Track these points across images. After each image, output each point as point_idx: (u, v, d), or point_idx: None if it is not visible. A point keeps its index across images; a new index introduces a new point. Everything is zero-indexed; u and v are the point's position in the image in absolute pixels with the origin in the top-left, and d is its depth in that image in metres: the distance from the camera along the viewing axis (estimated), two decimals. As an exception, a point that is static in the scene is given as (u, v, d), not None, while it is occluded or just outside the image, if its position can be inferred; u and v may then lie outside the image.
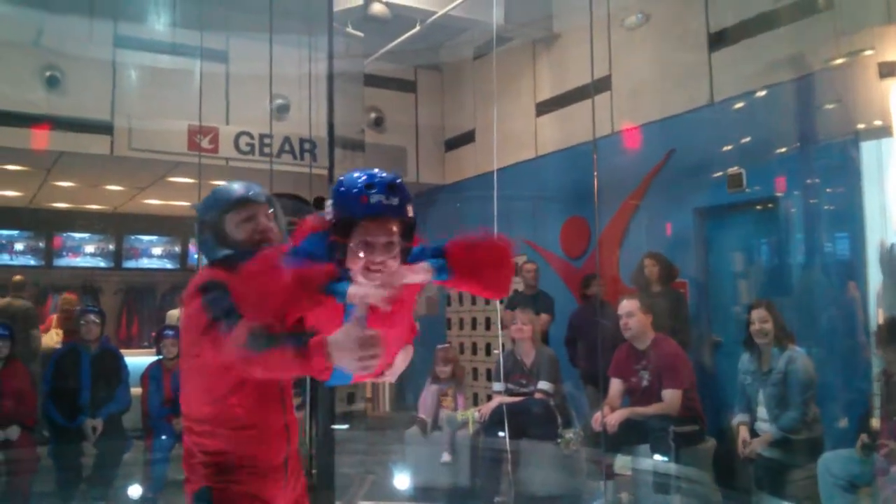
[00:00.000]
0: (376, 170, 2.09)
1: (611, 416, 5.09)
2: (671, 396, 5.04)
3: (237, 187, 2.44)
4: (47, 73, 7.86)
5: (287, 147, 8.85)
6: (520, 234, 8.19)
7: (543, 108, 8.57)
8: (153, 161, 8.59)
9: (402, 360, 2.38)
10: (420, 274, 2.18)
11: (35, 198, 10.43)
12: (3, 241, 10.83)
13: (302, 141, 8.75)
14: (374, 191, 2.01)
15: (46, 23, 7.90)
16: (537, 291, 7.43)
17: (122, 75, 8.20)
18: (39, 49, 7.89)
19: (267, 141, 8.64)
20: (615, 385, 5.35)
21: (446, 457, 5.88)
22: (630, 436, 5.12)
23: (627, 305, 5.32)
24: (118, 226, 11.54)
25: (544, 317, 6.96)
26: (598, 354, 5.57)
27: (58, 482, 5.90)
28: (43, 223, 11.05)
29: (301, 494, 2.47)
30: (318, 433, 4.52)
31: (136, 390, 6.36)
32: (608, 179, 6.71)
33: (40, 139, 7.87)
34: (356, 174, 2.06)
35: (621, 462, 5.44)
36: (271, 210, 2.45)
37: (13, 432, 5.70)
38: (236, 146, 8.64)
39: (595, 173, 5.65)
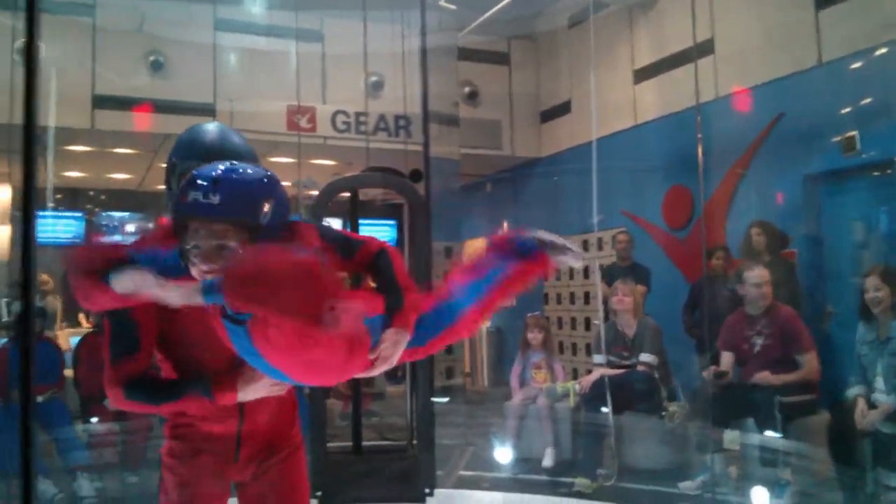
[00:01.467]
0: (230, 163, 1.83)
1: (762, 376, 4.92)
2: (809, 360, 4.91)
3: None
4: (151, 58, 8.11)
5: (382, 124, 8.91)
6: (619, 205, 8.02)
7: (642, 75, 8.33)
8: (254, 142, 8.72)
9: (390, 347, 2.04)
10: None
11: (144, 180, 10.84)
12: (115, 223, 11.28)
13: (397, 118, 8.79)
14: (193, 188, 1.75)
15: (148, 9, 8.15)
16: (632, 263, 7.24)
17: (222, 58, 8.39)
18: (143, 35, 8.15)
19: (363, 119, 8.71)
20: (726, 356, 5.21)
21: (548, 460, 5.81)
22: (739, 409, 4.95)
23: (760, 274, 5.17)
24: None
25: (640, 288, 6.79)
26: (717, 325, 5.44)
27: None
28: (151, 205, 11.48)
29: (270, 484, 2.25)
30: (418, 406, 4.54)
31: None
32: (712, 146, 6.48)
33: (147, 122, 8.15)
34: (207, 167, 1.82)
35: (730, 436, 5.29)
36: None
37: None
38: (333, 125, 8.75)
39: (699, 140, 5.45)
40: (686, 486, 5.11)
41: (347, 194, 5.41)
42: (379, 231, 11.23)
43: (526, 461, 5.84)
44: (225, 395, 2.01)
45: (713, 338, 5.52)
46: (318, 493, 5.03)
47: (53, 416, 5.53)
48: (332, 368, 1.90)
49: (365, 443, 5.52)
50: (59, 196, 10.71)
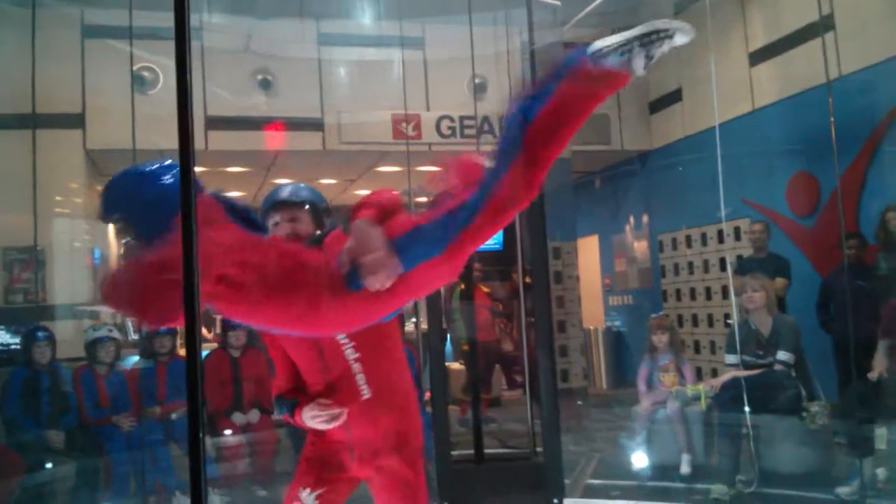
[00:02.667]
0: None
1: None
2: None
3: (275, 190, 2.68)
4: (259, 77, 8.29)
5: (486, 127, 8.82)
6: (740, 194, 7.67)
7: (757, 57, 7.94)
8: (362, 153, 8.88)
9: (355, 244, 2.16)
10: None
11: (256, 197, 11.14)
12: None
13: (501, 118, 8.67)
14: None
15: (254, 28, 8.34)
16: (767, 254, 6.87)
17: (327, 72, 8.50)
18: (249, 54, 8.34)
19: (468, 123, 8.65)
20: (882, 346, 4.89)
21: (686, 467, 5.56)
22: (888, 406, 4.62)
23: None
24: (333, 218, 12.05)
25: (780, 281, 6.43)
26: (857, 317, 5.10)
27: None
28: (265, 220, 11.79)
29: (385, 479, 2.58)
30: (542, 412, 4.41)
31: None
32: (838, 127, 6.09)
33: (261, 140, 8.34)
34: None
35: (878, 434, 4.94)
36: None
37: (254, 416, 6.06)
38: (438, 130, 8.72)
39: (831, 120, 5.12)
40: (844, 492, 4.79)
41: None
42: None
43: (657, 468, 5.62)
44: (295, 418, 2.55)
45: (856, 332, 5.19)
46: (446, 503, 4.98)
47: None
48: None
49: (487, 450, 5.45)
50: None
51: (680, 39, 2.08)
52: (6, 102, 7.29)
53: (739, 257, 7.04)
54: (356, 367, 2.49)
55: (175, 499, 5.41)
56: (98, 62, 7.67)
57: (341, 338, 2.46)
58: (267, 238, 2.46)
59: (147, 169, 2.37)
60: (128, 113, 7.21)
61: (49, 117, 7.55)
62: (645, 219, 9.97)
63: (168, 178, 2.31)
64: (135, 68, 7.63)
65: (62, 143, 7.68)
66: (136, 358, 6.58)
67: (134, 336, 8.04)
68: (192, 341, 1.09)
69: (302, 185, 2.78)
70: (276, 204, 2.59)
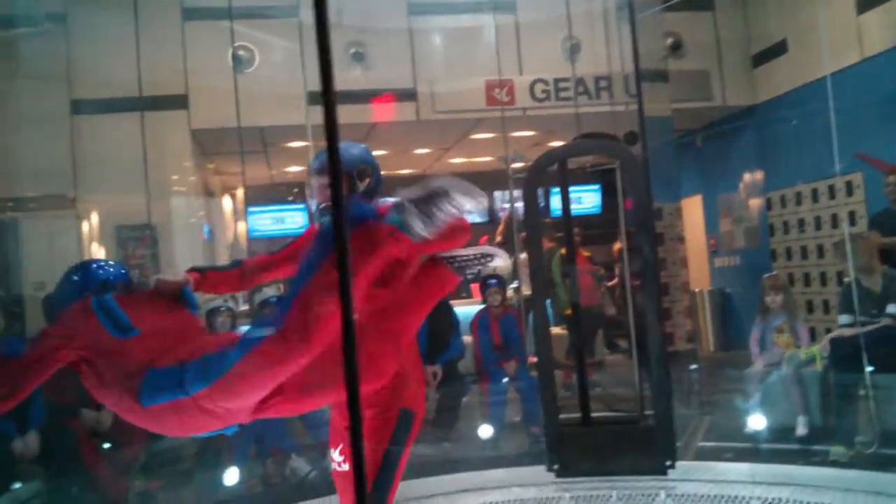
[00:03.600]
0: None
1: None
2: None
3: (314, 158, 3.06)
4: (352, 51, 8.36)
5: (581, 88, 8.67)
6: (852, 147, 7.31)
7: (866, 3, 7.50)
8: (456, 121, 8.88)
9: None
10: None
11: (358, 169, 11.29)
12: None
13: (597, 79, 8.51)
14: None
15: (345, 1, 8.40)
16: None
17: (418, 41, 8.50)
18: (343, 28, 8.41)
19: (563, 85, 8.51)
20: None
21: (802, 428, 5.41)
22: None
23: None
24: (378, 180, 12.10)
25: None
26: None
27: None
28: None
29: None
30: (652, 375, 4.35)
31: (466, 338, 6.65)
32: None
33: (357, 113, 8.43)
34: None
35: None
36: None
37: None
38: (532, 94, 8.62)
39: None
40: None
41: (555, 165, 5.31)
42: (585, 197, 11.02)
43: (771, 430, 5.48)
44: None
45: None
46: (555, 467, 5.00)
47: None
48: None
49: (593, 414, 5.43)
50: (281, 190, 11.42)
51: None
52: (115, 87, 7.59)
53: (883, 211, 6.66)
54: None
55: (290, 461, 5.60)
56: (197, 44, 7.89)
57: None
58: None
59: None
60: (227, 92, 7.43)
61: (155, 99, 7.83)
62: (751, 176, 9.64)
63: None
64: (234, 48, 7.83)
65: (168, 124, 7.96)
66: (247, 327, 6.80)
67: (244, 306, 8.33)
68: (348, 324, 1.11)
69: (352, 146, 3.10)
70: (313, 173, 3.02)
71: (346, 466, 2.87)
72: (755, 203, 9.61)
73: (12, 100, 7.28)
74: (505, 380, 6.35)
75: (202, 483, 5.44)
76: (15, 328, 6.62)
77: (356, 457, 1.09)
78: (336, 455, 2.90)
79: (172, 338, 2.52)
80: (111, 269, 2.78)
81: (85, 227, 7.77)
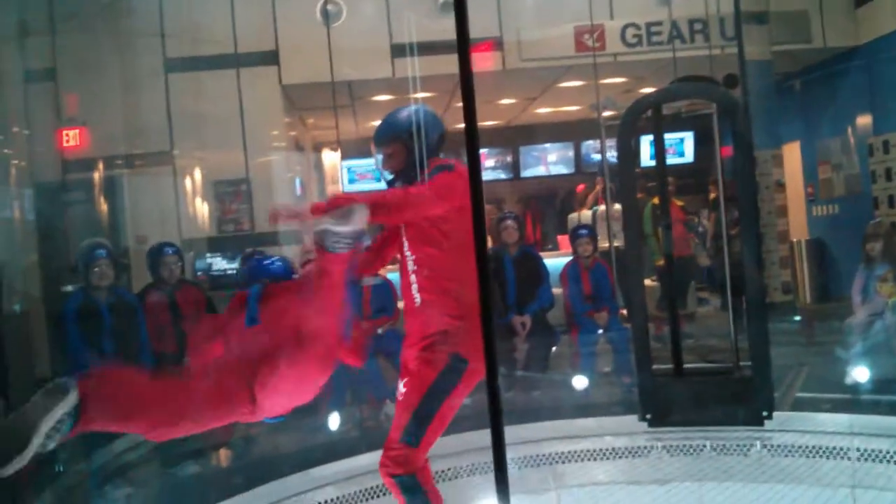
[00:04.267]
0: None
1: None
2: None
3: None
4: (440, 1, 8.29)
5: (674, 32, 8.41)
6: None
7: None
8: (543, 69, 8.75)
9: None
10: None
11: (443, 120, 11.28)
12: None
13: (691, 22, 8.23)
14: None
15: (433, -50, 8.32)
16: None
17: (506, -12, 8.39)
18: (429, -22, 8.35)
19: (655, 29, 8.28)
20: None
21: None
22: None
23: None
24: (514, 138, 12.06)
25: None
26: None
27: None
28: (454, 143, 11.93)
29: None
30: (751, 324, 4.28)
31: (556, 290, 6.66)
32: None
33: (443, 64, 8.38)
34: None
35: None
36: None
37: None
38: (623, 40, 8.42)
39: None
40: None
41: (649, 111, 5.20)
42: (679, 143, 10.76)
43: (873, 381, 5.33)
44: None
45: None
46: (648, 416, 5.00)
47: (393, 346, 6.01)
48: None
49: (686, 365, 5.38)
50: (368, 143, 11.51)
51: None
52: (209, 43, 7.76)
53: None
54: (412, 278, 3.03)
55: (385, 406, 5.76)
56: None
57: (409, 258, 3.03)
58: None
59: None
60: (316, 47, 7.50)
61: (248, 56, 7.97)
62: (852, 122, 9.23)
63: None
64: (320, 2, 7.89)
65: (261, 79, 8.11)
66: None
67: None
68: (486, 285, 1.15)
69: (401, 111, 3.23)
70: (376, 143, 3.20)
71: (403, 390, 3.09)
72: (853, 150, 9.22)
73: (111, 59, 7.53)
74: (599, 331, 6.36)
75: (302, 428, 5.64)
76: (122, 280, 6.94)
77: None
78: (401, 386, 3.11)
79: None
80: (273, 265, 3.05)
81: (185, 183, 8.04)
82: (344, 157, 10.82)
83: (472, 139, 1.14)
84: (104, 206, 7.76)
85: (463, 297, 2.85)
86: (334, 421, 5.57)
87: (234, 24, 7.78)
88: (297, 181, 8.93)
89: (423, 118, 3.15)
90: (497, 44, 8.39)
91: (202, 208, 8.06)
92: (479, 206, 1.15)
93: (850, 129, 9.34)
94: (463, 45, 1.12)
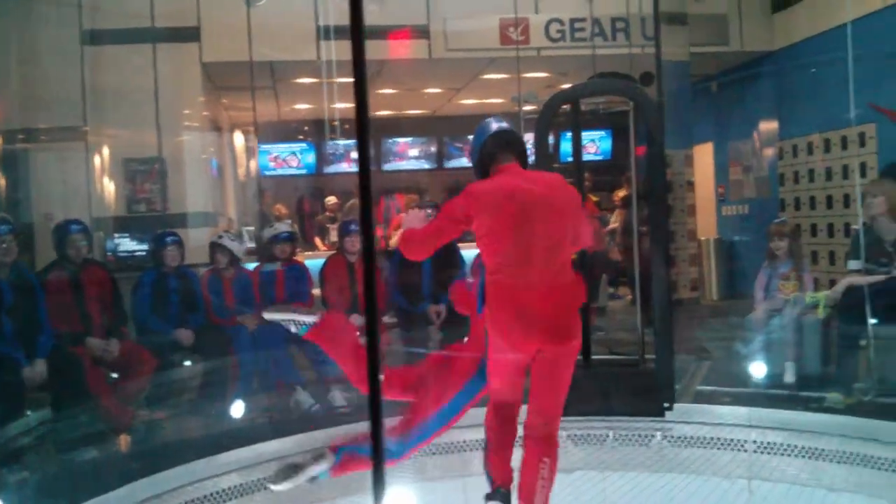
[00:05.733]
0: None
1: None
2: None
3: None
4: (367, -15, 8.21)
5: (597, 29, 8.54)
6: (866, 98, 7.22)
7: (894, -54, 7.33)
8: (468, 60, 8.77)
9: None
10: None
11: (363, 107, 11.18)
12: (342, 151, 11.77)
13: (614, 20, 8.37)
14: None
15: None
16: None
17: (433, -23, 8.36)
18: (356, -39, 8.24)
19: (579, 25, 8.38)
20: None
21: (790, 375, 5.44)
22: None
23: None
24: (439, 128, 12.07)
25: None
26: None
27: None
28: (374, 130, 11.86)
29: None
30: (655, 319, 4.39)
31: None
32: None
33: (368, 49, 8.31)
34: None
35: None
36: None
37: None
38: (547, 34, 8.50)
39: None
40: None
41: (567, 105, 5.26)
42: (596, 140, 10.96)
43: (770, 375, 5.53)
44: None
45: None
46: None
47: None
48: None
49: (594, 356, 5.49)
50: (291, 127, 11.37)
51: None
52: (128, 17, 7.50)
53: (863, 165, 6.66)
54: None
55: (296, 393, 5.70)
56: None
57: None
58: None
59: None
60: (239, 25, 7.33)
61: (167, 31, 7.74)
62: (764, 125, 9.55)
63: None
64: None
65: (180, 56, 7.88)
66: (255, 264, 6.87)
67: (250, 244, 8.37)
68: (371, 263, 1.13)
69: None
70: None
71: None
72: (766, 152, 9.55)
73: (25, 28, 7.21)
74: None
75: (207, 414, 5.54)
76: (24, 257, 6.68)
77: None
78: None
79: None
80: None
81: (96, 160, 7.76)
82: (263, 140, 10.64)
83: (363, 128, 1.12)
84: (2, 181, 7.43)
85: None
86: (242, 407, 5.49)
87: (154, -2, 7.54)
88: (213, 162, 8.73)
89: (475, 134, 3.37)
90: (423, 32, 8.36)
91: (113, 187, 7.80)
92: (366, 199, 1.13)
93: (760, 133, 9.67)
94: (357, 29, 1.09)
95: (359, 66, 1.13)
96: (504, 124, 3.29)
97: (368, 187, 1.16)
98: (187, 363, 5.77)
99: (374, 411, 1.06)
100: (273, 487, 3.32)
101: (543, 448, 3.17)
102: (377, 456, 1.07)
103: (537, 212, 3.06)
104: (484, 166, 3.24)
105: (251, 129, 10.50)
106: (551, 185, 3.18)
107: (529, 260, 3.05)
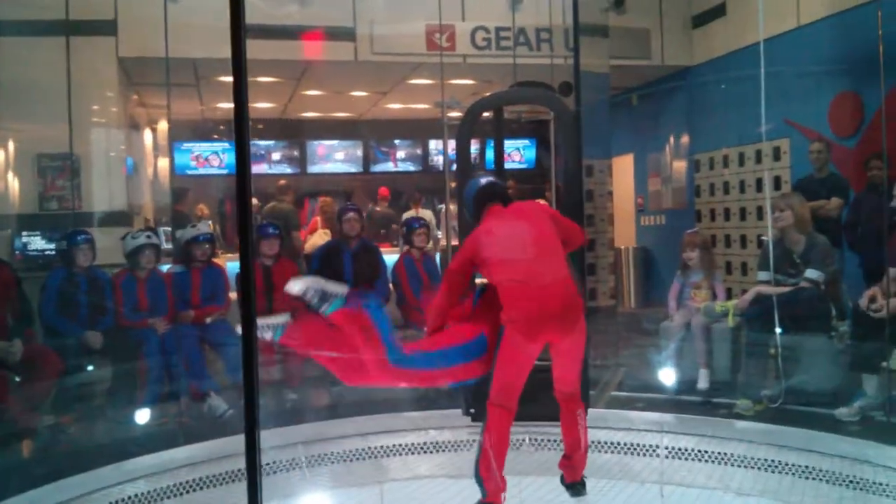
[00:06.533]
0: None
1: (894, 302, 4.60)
2: None
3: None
4: (290, -15, 8.10)
5: (522, 39, 8.62)
6: (782, 114, 7.48)
7: (806, -30, 7.62)
8: (394, 64, 8.75)
9: None
10: None
11: (286, 108, 11.05)
12: (262, 152, 11.59)
13: (538, 31, 8.46)
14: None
15: (288, -66, 8.13)
16: (828, 174, 6.68)
17: (360, -20, 8.31)
18: (285, -39, 8.15)
19: (504, 34, 8.45)
20: (892, 272, 4.82)
21: (703, 382, 5.60)
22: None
23: None
24: (364, 131, 11.99)
25: (835, 201, 6.33)
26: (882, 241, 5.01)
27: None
28: (295, 132, 11.72)
29: None
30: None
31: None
32: (886, 46, 5.88)
33: (293, 49, 8.21)
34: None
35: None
36: None
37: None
38: (472, 42, 8.54)
39: (880, 35, 4.92)
40: (842, 413, 4.81)
41: (491, 113, 5.29)
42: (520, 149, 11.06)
43: (683, 382, 5.66)
44: None
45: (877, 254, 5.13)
46: (472, 410, 5.09)
47: (221, 337, 5.81)
48: None
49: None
50: (210, 126, 11.12)
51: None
52: (40, 8, 7.23)
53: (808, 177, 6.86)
54: None
55: (209, 399, 5.56)
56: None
57: None
58: None
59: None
60: (160, 21, 7.14)
61: (82, 24, 7.48)
62: (682, 138, 9.80)
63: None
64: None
65: (95, 50, 7.63)
66: (169, 266, 6.69)
67: (167, 245, 8.16)
68: (247, 263, 1.09)
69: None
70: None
71: None
72: (683, 164, 9.80)
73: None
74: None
75: (116, 419, 5.38)
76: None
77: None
78: None
79: None
80: None
81: (2, 155, 7.45)
82: (184, 138, 10.38)
83: (241, 131, 1.08)
84: None
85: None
86: (151, 413, 5.34)
87: (69, -11, 7.27)
88: (129, 160, 8.47)
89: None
90: (349, 35, 8.30)
91: (23, 183, 7.50)
92: (245, 203, 1.10)
93: (678, 145, 9.92)
94: (236, 28, 1.05)
95: (238, 67, 1.10)
96: (490, 178, 4.08)
97: (247, 189, 1.13)
98: (94, 367, 5.57)
99: (250, 412, 1.02)
100: (294, 288, 3.54)
101: (575, 404, 3.93)
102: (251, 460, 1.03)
103: (524, 234, 3.79)
104: (478, 211, 3.98)
105: (169, 126, 10.24)
106: (524, 210, 3.99)
107: (532, 270, 3.68)
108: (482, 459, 3.67)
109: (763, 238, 6.05)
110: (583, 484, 4.07)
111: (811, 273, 5.25)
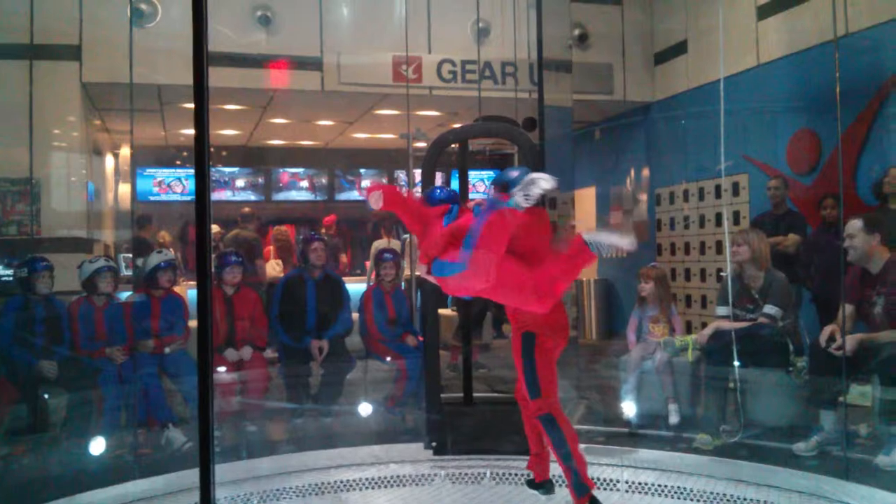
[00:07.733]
0: None
1: (850, 339, 4.69)
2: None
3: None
4: (258, 13, 8.13)
5: (488, 72, 8.73)
6: (740, 150, 7.64)
7: (766, 10, 7.81)
8: (361, 94, 8.78)
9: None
10: None
11: (252, 136, 11.03)
12: (226, 178, 11.55)
13: (504, 65, 8.57)
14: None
15: (256, -38, 8.16)
16: (786, 210, 6.83)
17: (328, 10, 8.36)
18: (251, -11, 8.18)
19: (469, 67, 8.55)
20: (846, 309, 4.92)
21: (674, 416, 5.64)
22: (866, 365, 4.69)
23: (851, 225, 4.93)
24: (330, 160, 12.00)
25: (792, 237, 6.46)
26: (835, 278, 5.12)
27: (287, 399, 6.26)
28: (260, 159, 11.69)
29: None
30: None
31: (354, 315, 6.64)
32: (843, 85, 6.04)
33: (259, 78, 8.21)
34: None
35: (858, 391, 5.02)
36: None
37: (246, 353, 6.07)
38: (439, 74, 8.62)
39: (837, 77, 5.06)
40: (799, 448, 4.88)
41: (456, 145, 5.35)
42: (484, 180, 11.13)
43: (643, 416, 5.69)
44: None
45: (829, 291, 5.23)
46: (433, 444, 5.07)
47: (181, 367, 5.73)
48: None
49: (476, 394, 5.52)
50: (173, 152, 11.05)
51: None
52: (3, 32, 7.16)
53: (765, 213, 6.99)
54: None
55: (168, 431, 5.47)
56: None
57: None
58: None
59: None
60: (125, 46, 7.10)
61: (46, 48, 7.43)
62: (644, 172, 9.94)
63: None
64: (133, 1, 7.50)
65: (59, 75, 7.57)
66: (129, 293, 6.60)
67: (126, 272, 8.05)
68: (205, 291, 1.09)
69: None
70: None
71: None
72: (644, 198, 9.93)
73: None
74: (388, 358, 6.37)
75: (70, 451, 5.26)
76: None
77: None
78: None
79: None
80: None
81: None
82: (147, 164, 10.30)
83: (202, 157, 1.08)
84: None
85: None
86: (107, 444, 5.23)
87: (33, 14, 7.21)
88: (90, 185, 8.37)
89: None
90: (316, 64, 8.33)
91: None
92: (203, 231, 1.10)
93: (639, 179, 10.07)
94: (199, 55, 1.06)
95: (200, 94, 1.10)
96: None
97: (207, 216, 1.12)
98: (49, 396, 5.45)
99: (205, 447, 1.01)
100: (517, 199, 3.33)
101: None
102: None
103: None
104: None
105: (132, 152, 10.16)
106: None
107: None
108: (574, 453, 3.75)
109: (722, 273, 6.14)
110: (552, 483, 4.10)
111: (769, 309, 5.33)
